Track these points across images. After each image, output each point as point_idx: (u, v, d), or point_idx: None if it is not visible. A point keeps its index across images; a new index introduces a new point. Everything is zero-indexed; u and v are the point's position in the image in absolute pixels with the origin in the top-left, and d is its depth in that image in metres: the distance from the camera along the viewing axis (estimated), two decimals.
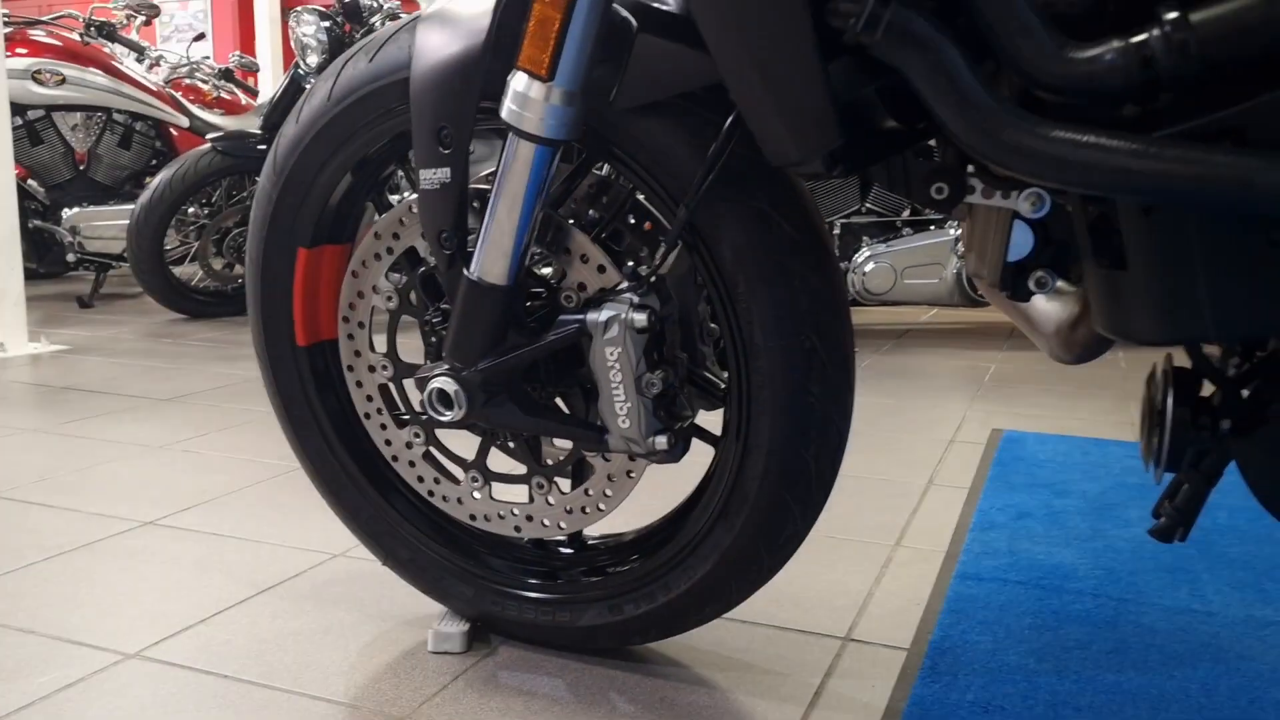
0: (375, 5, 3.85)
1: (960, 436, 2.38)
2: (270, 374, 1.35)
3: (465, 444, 1.26)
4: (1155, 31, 0.70)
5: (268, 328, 1.33)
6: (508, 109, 1.00)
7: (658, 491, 1.47)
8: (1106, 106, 0.75)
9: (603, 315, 1.06)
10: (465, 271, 1.08)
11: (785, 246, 1.04)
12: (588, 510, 1.20)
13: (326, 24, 3.76)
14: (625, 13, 0.99)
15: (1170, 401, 0.87)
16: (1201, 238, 0.74)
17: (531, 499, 1.22)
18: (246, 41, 8.90)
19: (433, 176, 1.06)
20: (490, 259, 1.07)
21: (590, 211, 1.18)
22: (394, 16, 3.84)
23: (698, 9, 0.80)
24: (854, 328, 1.12)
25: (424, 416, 1.16)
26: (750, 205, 1.04)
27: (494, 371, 1.11)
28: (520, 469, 1.22)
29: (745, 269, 1.04)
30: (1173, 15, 0.70)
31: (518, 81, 0.99)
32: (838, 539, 1.72)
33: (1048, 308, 1.03)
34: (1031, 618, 1.41)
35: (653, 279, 1.06)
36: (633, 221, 1.17)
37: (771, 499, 1.11)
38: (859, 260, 3.49)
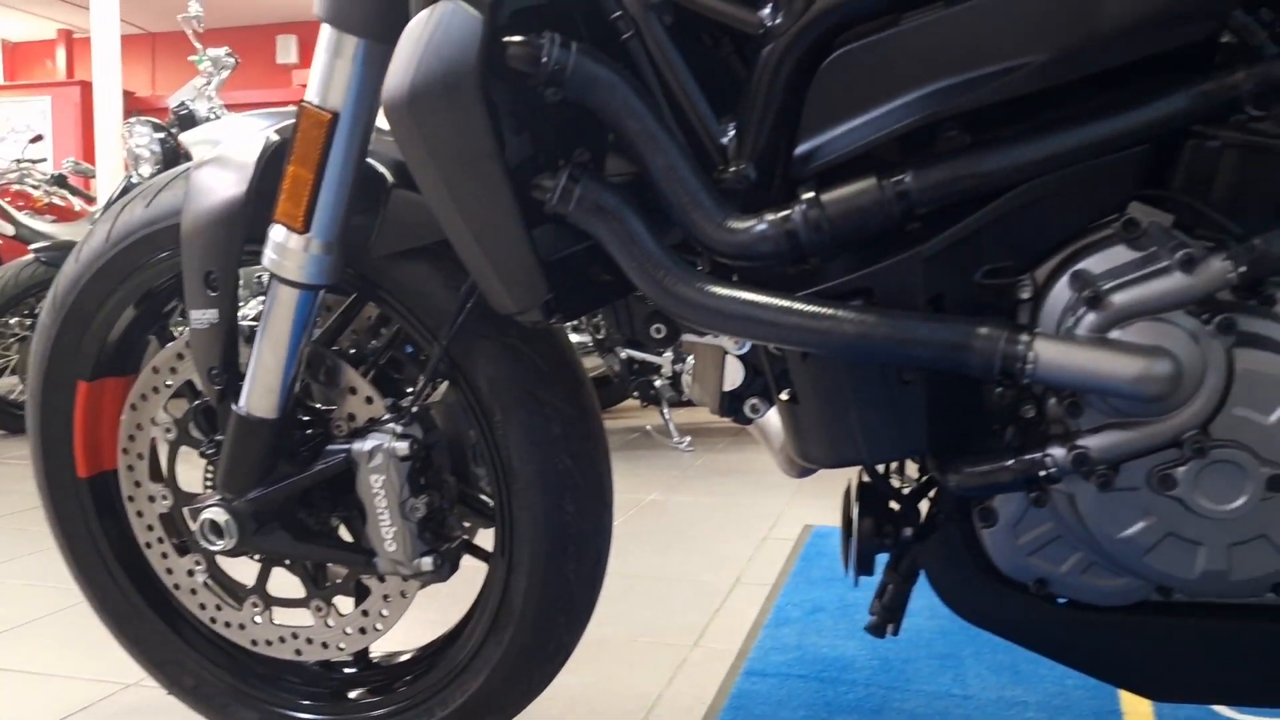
0: (211, 116, 3.89)
1: (774, 533, 2.51)
2: (51, 505, 1.35)
3: (249, 569, 1.29)
4: (796, 208, 0.83)
5: (48, 459, 1.34)
6: (268, 257, 1.07)
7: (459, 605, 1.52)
8: (772, 267, 0.87)
9: (367, 445, 1.12)
10: (234, 406, 1.13)
11: (536, 377, 1.14)
12: (366, 630, 1.24)
13: (160, 135, 3.77)
14: (381, 168, 1.09)
15: (856, 514, 0.99)
16: (850, 376, 0.87)
17: (312, 622, 1.26)
18: (88, 141, 8.72)
19: (202, 317, 1.12)
20: (257, 395, 1.12)
21: (372, 343, 1.25)
22: None
23: (418, 182, 0.90)
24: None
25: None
26: (503, 340, 1.13)
27: (264, 501, 1.15)
28: (304, 592, 1.26)
29: (500, 398, 1.13)
30: (809, 195, 0.83)
31: (276, 233, 1.06)
32: (640, 641, 1.79)
33: (775, 426, 1.15)
34: (805, 710, 1.50)
35: (415, 409, 1.13)
36: (410, 351, 1.25)
37: (536, 613, 1.18)
38: (688, 364, 3.65)
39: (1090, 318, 0.80)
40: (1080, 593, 0.95)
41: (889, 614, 1.08)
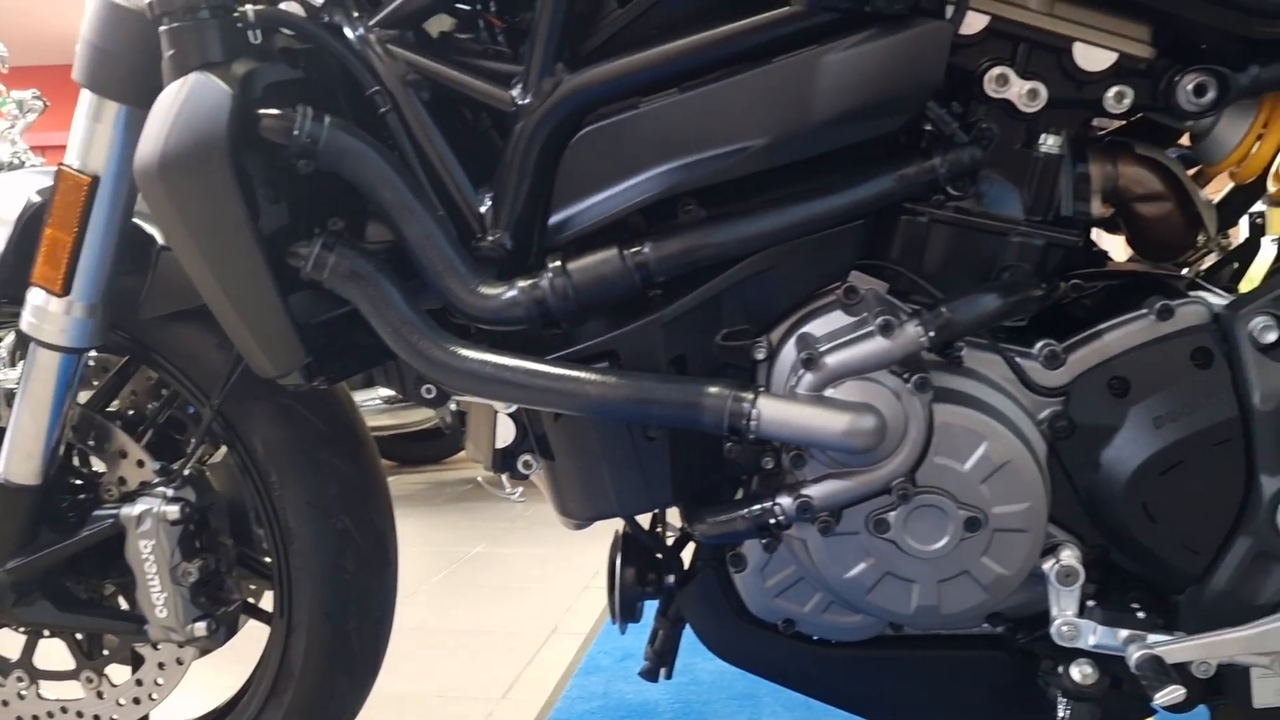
0: (15, 162, 3.71)
1: (596, 583, 2.54)
2: None
3: (14, 641, 1.23)
4: (545, 276, 0.88)
5: None
6: (26, 321, 1.05)
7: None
8: (528, 331, 0.91)
9: (136, 509, 1.10)
10: None
11: (314, 438, 1.14)
12: (140, 700, 1.20)
13: None
14: (150, 230, 1.08)
15: (619, 564, 1.04)
16: (598, 434, 0.92)
17: (83, 694, 1.21)
18: None
19: None
20: (16, 461, 1.09)
21: (151, 405, 1.23)
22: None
23: (174, 249, 0.90)
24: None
25: None
26: (279, 402, 1.13)
27: (25, 570, 1.11)
28: (74, 663, 1.21)
29: (276, 459, 1.13)
30: (555, 264, 0.88)
31: (35, 296, 1.04)
32: (446, 696, 1.79)
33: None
34: None
35: (187, 472, 1.12)
36: (193, 412, 1.24)
37: (317, 674, 1.18)
38: None
39: (808, 377, 0.87)
40: (823, 630, 1.02)
41: (660, 659, 1.12)
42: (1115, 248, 1.18)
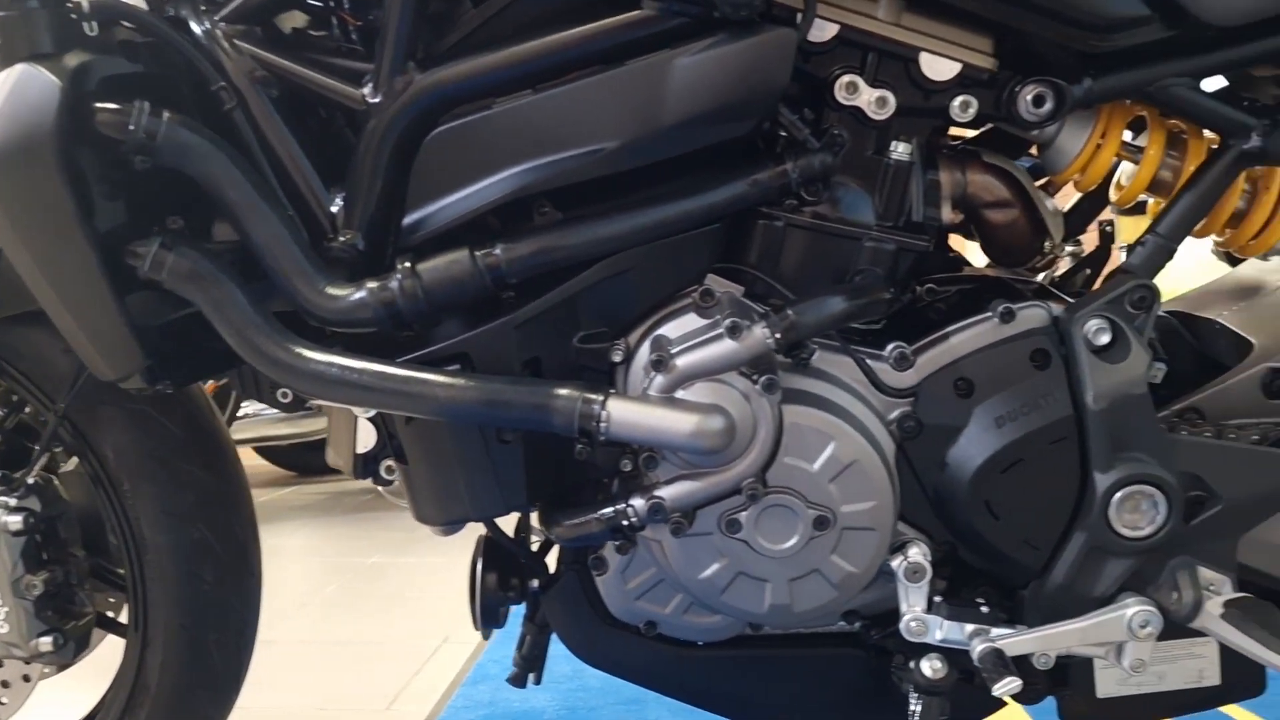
0: None
1: None
2: None
3: None
4: (394, 278, 0.87)
5: None
6: None
7: None
8: (382, 333, 0.90)
9: None
10: None
11: (169, 445, 1.11)
12: None
13: None
14: None
15: (479, 569, 1.03)
16: (451, 438, 0.91)
17: None
18: None
19: None
20: None
21: None
22: None
23: (3, 247, 0.87)
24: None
25: None
26: (130, 407, 1.09)
27: None
28: None
29: (128, 467, 1.09)
30: (405, 265, 0.87)
31: None
32: (328, 710, 1.75)
33: None
34: None
35: (31, 481, 1.08)
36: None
37: (174, 689, 1.14)
38: None
39: (658, 379, 0.88)
40: (685, 631, 1.02)
41: (528, 664, 1.12)
42: (976, 253, 1.22)
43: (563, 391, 0.85)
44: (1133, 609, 0.90)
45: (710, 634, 1.02)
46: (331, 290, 0.87)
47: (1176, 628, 0.93)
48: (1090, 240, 1.26)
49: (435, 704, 1.77)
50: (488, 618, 1.03)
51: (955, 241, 1.14)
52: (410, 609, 2.37)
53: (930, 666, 0.95)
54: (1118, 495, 0.90)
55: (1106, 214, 1.22)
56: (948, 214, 1.01)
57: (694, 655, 1.04)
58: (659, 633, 1.03)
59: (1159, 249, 0.96)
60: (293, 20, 0.97)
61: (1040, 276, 1.20)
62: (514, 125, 0.89)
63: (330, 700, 1.79)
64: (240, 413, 3.55)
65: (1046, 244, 1.07)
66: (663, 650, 1.03)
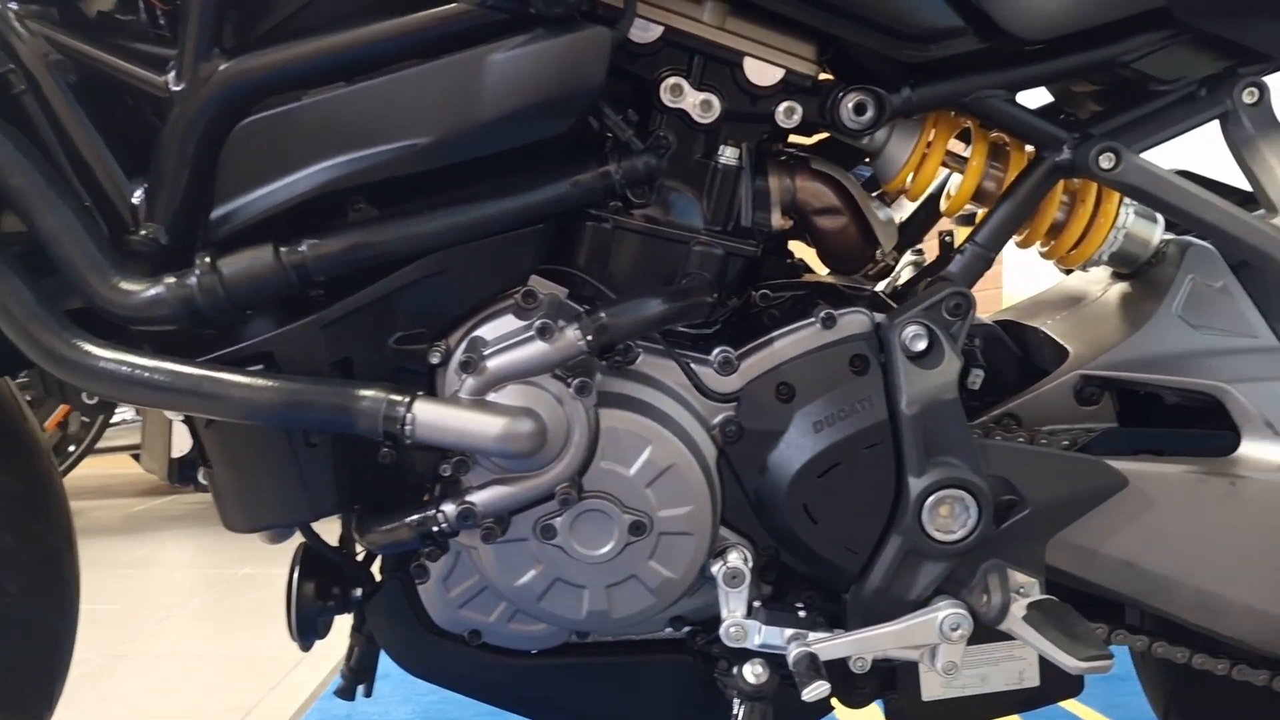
0: None
1: None
2: None
3: None
4: (193, 273, 0.83)
5: None
6: None
7: None
8: (186, 332, 0.86)
9: None
10: None
11: None
12: None
13: None
14: None
15: (295, 578, 0.99)
16: (255, 440, 0.87)
17: None
18: None
19: None
20: None
21: None
22: None
23: None
24: None
25: None
26: None
27: None
28: None
29: None
30: (205, 260, 0.83)
31: None
32: None
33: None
34: None
35: None
36: None
37: None
38: None
39: (470, 382, 0.86)
40: (509, 640, 1.00)
41: (356, 676, 1.08)
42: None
43: (367, 393, 0.82)
44: (944, 612, 0.91)
45: (536, 642, 1.00)
46: (125, 285, 0.83)
47: (998, 631, 0.95)
48: (933, 250, 1.29)
49: (289, 719, 1.72)
50: (304, 629, 0.99)
51: (810, 253, 1.14)
52: (279, 621, 2.29)
53: (752, 672, 0.95)
54: (930, 499, 0.91)
55: (950, 224, 1.24)
56: (778, 220, 1.01)
57: (521, 664, 1.02)
58: (484, 642, 1.00)
59: (977, 258, 0.97)
60: (100, 3, 0.93)
61: (882, 285, 1.22)
62: (325, 118, 0.86)
63: (179, 715, 1.72)
64: (115, 418, 3.41)
65: (879, 252, 1.09)
66: (487, 659, 1.01)
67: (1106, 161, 0.93)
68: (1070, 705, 1.60)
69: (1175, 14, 0.91)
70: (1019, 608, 0.90)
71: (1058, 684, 1.05)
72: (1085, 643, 0.84)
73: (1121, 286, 1.08)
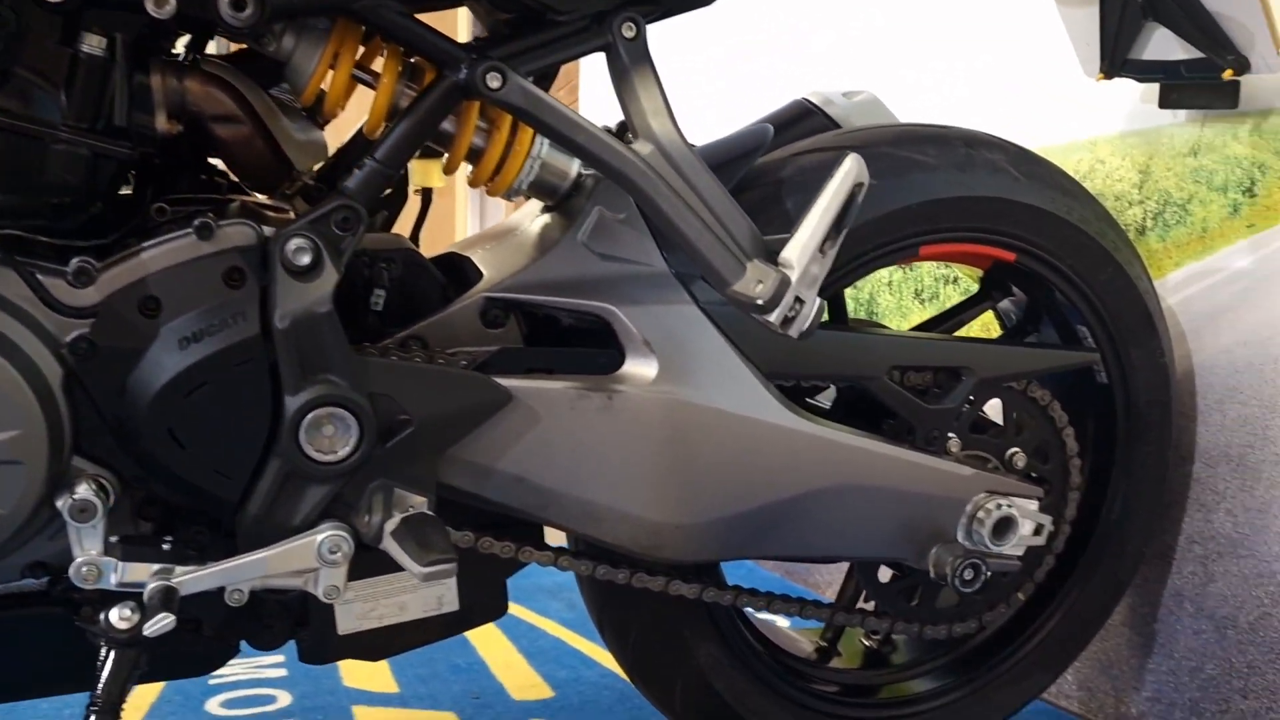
0: None
1: None
2: None
3: None
4: None
5: None
6: None
7: None
8: None
9: None
10: None
11: None
12: None
13: None
14: None
15: None
16: None
17: None
18: None
19: None
20: None
21: None
22: None
23: None
24: None
25: None
26: None
27: None
28: None
29: None
30: None
31: None
32: None
33: None
34: None
35: None
36: None
37: None
38: None
39: None
40: None
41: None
42: None
43: None
44: (323, 534, 0.88)
45: None
46: None
47: None
48: None
49: None
50: None
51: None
52: None
53: (120, 615, 0.86)
54: (308, 418, 0.87)
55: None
56: (163, 123, 0.93)
57: None
58: None
59: (374, 173, 0.94)
60: None
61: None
62: None
63: None
64: None
65: (297, 172, 1.03)
66: None
67: (494, 81, 0.93)
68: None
69: None
70: (391, 525, 0.88)
71: (479, 607, 1.06)
72: (433, 549, 0.85)
73: (545, 218, 1.10)
